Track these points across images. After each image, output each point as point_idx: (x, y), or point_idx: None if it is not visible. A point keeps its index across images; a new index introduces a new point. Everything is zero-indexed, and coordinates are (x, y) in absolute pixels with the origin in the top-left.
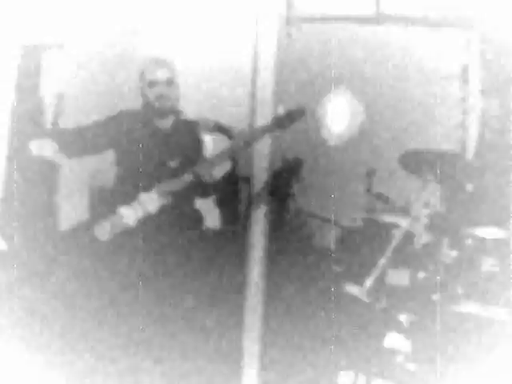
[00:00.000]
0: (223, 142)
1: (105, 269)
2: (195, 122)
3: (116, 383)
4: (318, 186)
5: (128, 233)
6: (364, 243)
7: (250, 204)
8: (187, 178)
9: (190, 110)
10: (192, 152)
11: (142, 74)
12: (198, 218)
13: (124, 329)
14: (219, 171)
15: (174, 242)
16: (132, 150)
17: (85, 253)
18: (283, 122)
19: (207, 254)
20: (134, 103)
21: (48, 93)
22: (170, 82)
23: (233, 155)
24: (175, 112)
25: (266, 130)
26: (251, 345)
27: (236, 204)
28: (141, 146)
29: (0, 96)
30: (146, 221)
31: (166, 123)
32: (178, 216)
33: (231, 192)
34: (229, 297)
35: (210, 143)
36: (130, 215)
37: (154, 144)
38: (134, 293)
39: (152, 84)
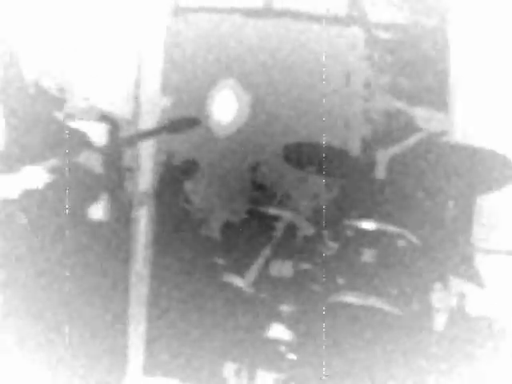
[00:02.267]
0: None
1: None
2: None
3: None
4: (204, 177)
5: (9, 204)
6: (248, 235)
7: (135, 196)
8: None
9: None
10: None
11: None
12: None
13: None
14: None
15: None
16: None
17: None
18: (176, 126)
19: (91, 243)
20: None
21: None
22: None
23: (115, 149)
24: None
25: (155, 132)
26: (136, 336)
27: (121, 194)
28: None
29: None
30: (31, 196)
31: None
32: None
33: (116, 182)
34: (113, 287)
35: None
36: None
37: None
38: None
39: None
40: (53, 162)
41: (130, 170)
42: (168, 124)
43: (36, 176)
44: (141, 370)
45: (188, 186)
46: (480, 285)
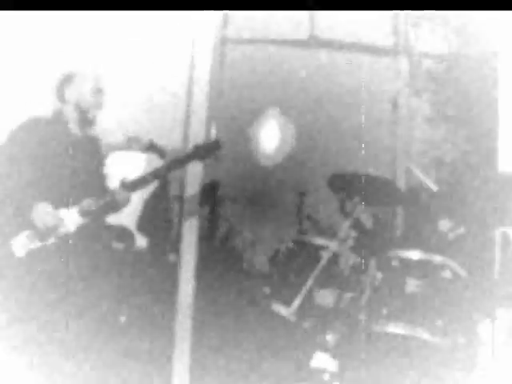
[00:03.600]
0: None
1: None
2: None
3: None
4: (250, 206)
5: (46, 250)
6: (293, 264)
7: (181, 223)
8: (108, 198)
9: (127, 129)
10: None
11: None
12: (129, 236)
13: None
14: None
15: (100, 260)
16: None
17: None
18: (200, 153)
19: (137, 273)
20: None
21: None
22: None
23: (151, 181)
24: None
25: (182, 161)
26: (181, 370)
27: (168, 223)
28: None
29: None
30: (65, 239)
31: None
32: (98, 234)
33: (162, 211)
34: (159, 318)
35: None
36: (48, 231)
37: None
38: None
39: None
40: (85, 203)
41: (177, 199)
42: (191, 151)
43: (71, 219)
44: None
45: (233, 215)
46: None
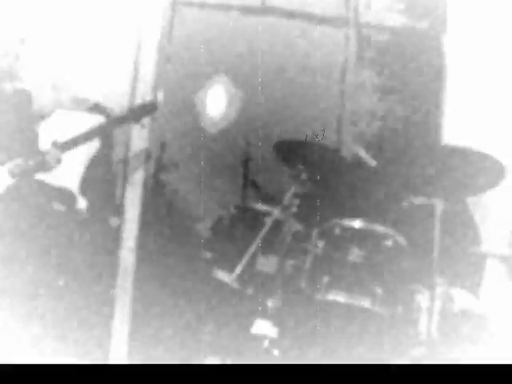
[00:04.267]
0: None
1: None
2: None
3: None
4: (194, 172)
5: None
6: (236, 231)
7: (124, 187)
8: (37, 158)
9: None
10: None
11: None
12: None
13: None
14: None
15: (37, 220)
16: None
17: None
18: (136, 114)
19: (78, 235)
20: None
21: None
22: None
23: (85, 141)
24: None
25: (118, 120)
26: (120, 338)
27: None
28: None
29: None
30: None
31: None
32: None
33: (104, 174)
34: (99, 283)
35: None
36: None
37: None
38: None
39: None
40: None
41: (121, 162)
42: (128, 112)
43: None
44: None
45: (176, 180)
46: (467, 287)
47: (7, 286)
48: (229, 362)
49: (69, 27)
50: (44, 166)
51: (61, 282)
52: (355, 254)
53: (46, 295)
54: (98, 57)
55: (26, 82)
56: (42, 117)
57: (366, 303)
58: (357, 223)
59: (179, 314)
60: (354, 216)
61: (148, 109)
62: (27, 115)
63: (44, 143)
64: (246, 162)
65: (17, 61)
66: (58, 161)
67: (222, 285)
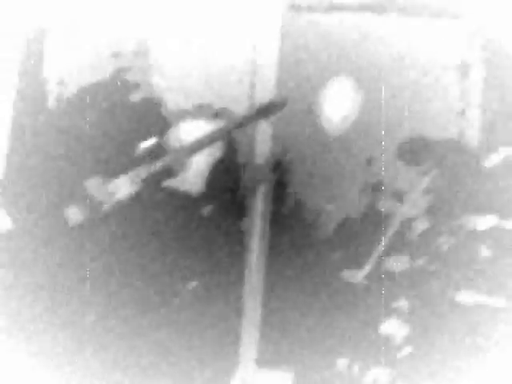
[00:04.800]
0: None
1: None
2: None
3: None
4: (317, 175)
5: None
6: (363, 231)
7: (247, 191)
8: (159, 165)
9: (191, 97)
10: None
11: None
12: (194, 203)
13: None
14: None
15: (161, 227)
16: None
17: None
18: (265, 111)
19: (204, 242)
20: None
21: (51, 78)
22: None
23: (208, 144)
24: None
25: (243, 120)
26: (249, 335)
27: (233, 191)
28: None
29: (4, 80)
30: (118, 207)
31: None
32: (157, 201)
33: (227, 179)
34: (228, 284)
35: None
36: (101, 202)
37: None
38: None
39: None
40: (137, 172)
41: (245, 165)
42: (256, 110)
43: (122, 188)
44: (253, 362)
45: (300, 183)
46: None
47: (140, 294)
48: (358, 361)
49: (190, 34)
50: (169, 172)
51: (191, 286)
52: (486, 252)
53: (175, 300)
54: (215, 62)
55: (153, 90)
56: (169, 124)
57: (499, 303)
58: (488, 219)
59: (309, 313)
60: (485, 212)
61: (277, 105)
62: (154, 123)
63: (170, 150)
64: (369, 162)
65: (146, 72)
66: (184, 165)
67: (349, 285)
